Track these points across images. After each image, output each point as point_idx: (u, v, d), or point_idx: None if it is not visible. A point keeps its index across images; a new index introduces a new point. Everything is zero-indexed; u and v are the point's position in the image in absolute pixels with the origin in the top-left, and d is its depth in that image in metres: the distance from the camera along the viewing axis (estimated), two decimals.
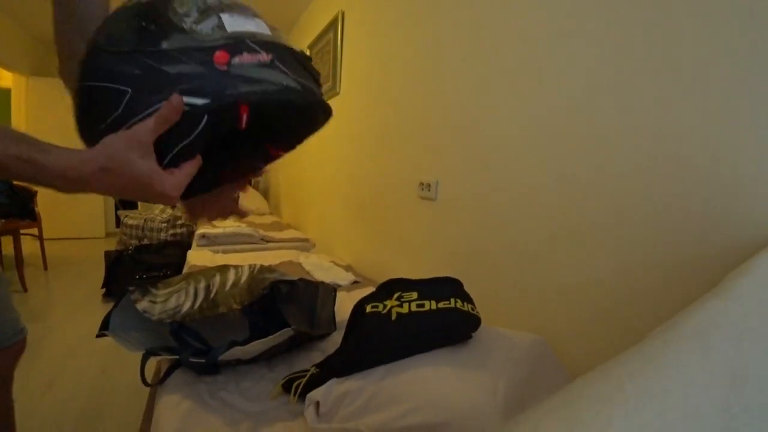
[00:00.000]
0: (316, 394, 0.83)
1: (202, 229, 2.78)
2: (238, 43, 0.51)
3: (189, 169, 0.51)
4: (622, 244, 0.91)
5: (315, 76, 0.59)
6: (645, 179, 0.86)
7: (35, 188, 3.59)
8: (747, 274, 0.49)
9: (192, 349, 1.02)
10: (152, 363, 1.07)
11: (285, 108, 0.57)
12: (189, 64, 0.48)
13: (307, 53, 0.65)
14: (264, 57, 0.52)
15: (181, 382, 1.00)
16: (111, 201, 5.64)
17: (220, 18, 0.52)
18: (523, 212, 1.17)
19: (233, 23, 0.53)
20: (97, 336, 1.06)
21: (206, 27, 0.51)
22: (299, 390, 0.90)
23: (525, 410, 0.31)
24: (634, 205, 0.88)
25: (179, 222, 3.84)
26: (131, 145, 0.46)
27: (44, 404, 1.80)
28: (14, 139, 0.43)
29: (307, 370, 0.94)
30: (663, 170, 0.83)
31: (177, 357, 1.00)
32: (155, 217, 3.79)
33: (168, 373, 1.03)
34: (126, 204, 5.63)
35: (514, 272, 1.20)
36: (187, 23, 0.50)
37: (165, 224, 3.73)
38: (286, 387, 0.95)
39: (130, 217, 3.82)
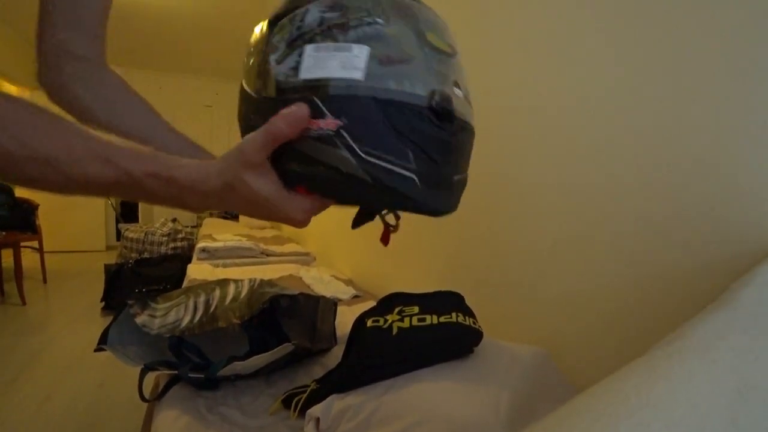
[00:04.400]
0: (316, 410, 0.82)
1: (202, 243, 2.77)
2: (306, 101, 0.37)
3: (317, 199, 0.43)
4: (625, 252, 0.90)
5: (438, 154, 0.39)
6: (647, 187, 0.86)
7: (37, 201, 3.60)
8: (751, 284, 0.49)
9: (191, 364, 1.01)
10: (150, 378, 1.06)
11: (354, 199, 0.42)
12: (258, 124, 0.38)
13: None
14: (327, 123, 0.36)
15: (180, 397, 0.99)
16: (112, 213, 5.65)
17: (301, 53, 0.38)
18: (524, 221, 1.17)
19: (315, 62, 0.37)
20: (96, 350, 1.05)
21: (283, 69, 0.39)
22: (299, 406, 0.89)
23: (528, 425, 0.30)
24: (636, 214, 0.88)
25: (180, 236, 3.84)
26: (244, 164, 0.40)
27: (41, 417, 1.78)
28: (149, 157, 0.41)
29: (307, 386, 0.93)
30: (666, 178, 0.83)
31: (176, 372, 0.99)
32: (156, 230, 3.79)
33: (166, 387, 1.02)
34: (126, 217, 5.64)
35: (515, 283, 1.20)
36: (272, 61, 0.39)
37: (165, 238, 3.73)
38: (286, 402, 0.94)
39: (131, 231, 3.82)
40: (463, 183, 0.46)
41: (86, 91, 0.60)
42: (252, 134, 0.38)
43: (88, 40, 0.60)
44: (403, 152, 0.37)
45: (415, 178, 0.38)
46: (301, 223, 0.44)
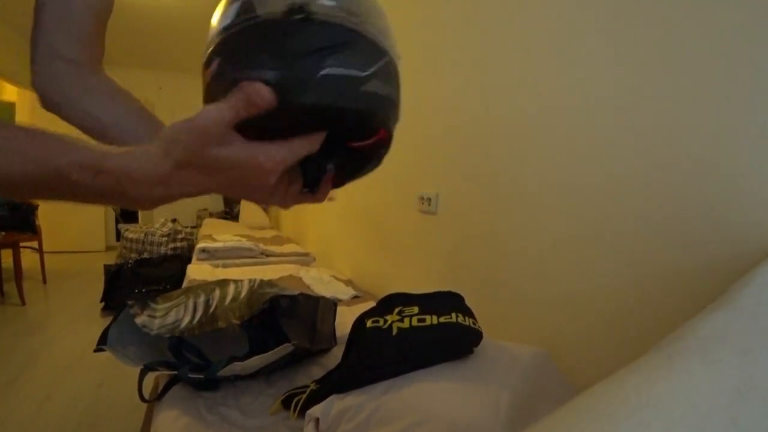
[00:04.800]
0: (315, 410, 0.82)
1: (202, 243, 2.77)
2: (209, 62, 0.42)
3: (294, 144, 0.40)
4: (625, 252, 0.90)
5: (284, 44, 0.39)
6: (647, 187, 0.86)
7: (37, 202, 3.60)
8: (750, 284, 0.49)
9: (191, 365, 1.01)
10: (150, 378, 1.06)
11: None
12: None
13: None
14: (213, 68, 0.41)
15: (180, 398, 0.99)
16: (111, 214, 5.64)
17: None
18: (523, 222, 1.17)
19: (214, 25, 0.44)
20: (95, 350, 1.05)
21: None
22: (299, 406, 0.89)
23: (528, 425, 0.30)
24: (635, 214, 0.88)
25: (179, 236, 3.84)
26: (213, 138, 0.37)
27: (41, 418, 1.78)
28: (76, 147, 0.36)
29: (307, 386, 0.93)
30: (666, 178, 0.83)
31: (175, 372, 0.99)
32: (156, 230, 3.78)
33: (166, 388, 1.02)
34: (126, 217, 5.64)
35: (516, 283, 1.20)
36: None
37: (165, 238, 3.73)
38: (286, 403, 0.94)
39: (131, 231, 3.81)
40: (336, 78, 0.42)
41: (79, 96, 0.60)
42: (212, 109, 0.37)
43: (81, 45, 0.60)
44: (261, 59, 0.40)
45: (276, 77, 0.39)
46: (272, 171, 0.40)
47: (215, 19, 0.44)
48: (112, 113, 0.61)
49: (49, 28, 0.59)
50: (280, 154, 0.40)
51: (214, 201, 5.77)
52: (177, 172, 0.38)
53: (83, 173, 0.36)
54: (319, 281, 2.02)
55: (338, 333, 1.28)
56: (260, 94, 0.36)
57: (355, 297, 1.86)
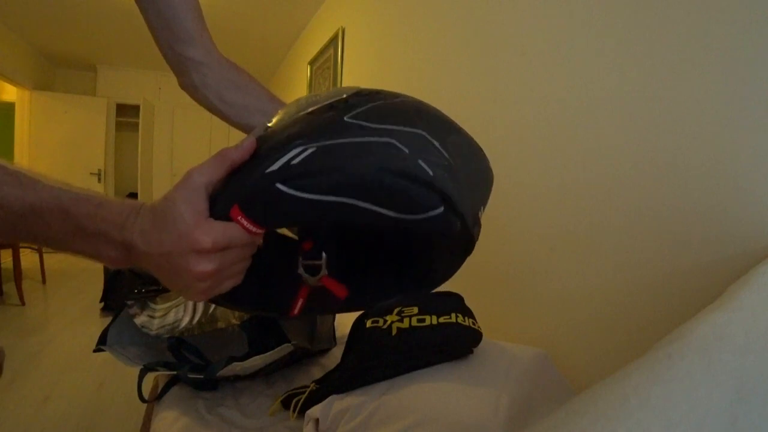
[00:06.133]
0: (315, 410, 0.82)
1: None
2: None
3: (234, 229, 0.38)
4: (625, 252, 0.90)
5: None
6: (645, 188, 0.86)
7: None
8: (750, 284, 0.49)
9: (190, 365, 1.01)
10: (150, 378, 1.06)
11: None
12: None
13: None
14: None
15: (179, 398, 0.99)
16: None
17: None
18: (522, 223, 1.17)
19: None
20: (95, 351, 1.05)
21: None
22: (298, 406, 0.89)
23: (528, 426, 0.30)
24: (634, 214, 0.88)
25: None
26: (180, 185, 0.38)
27: (40, 418, 1.77)
28: (79, 188, 0.40)
29: (307, 386, 0.93)
30: (664, 179, 0.83)
31: (175, 372, 0.99)
32: None
33: (165, 388, 1.02)
34: None
35: (514, 285, 1.20)
36: None
37: None
38: (285, 403, 0.93)
39: None
40: None
41: (210, 93, 0.67)
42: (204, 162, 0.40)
43: (195, 47, 0.66)
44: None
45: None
46: (198, 246, 0.37)
47: None
48: (242, 107, 0.67)
49: (166, 41, 0.65)
50: (219, 228, 0.38)
51: None
52: (143, 218, 0.38)
53: (86, 206, 0.38)
54: None
55: (338, 333, 1.28)
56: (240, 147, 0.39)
57: None
